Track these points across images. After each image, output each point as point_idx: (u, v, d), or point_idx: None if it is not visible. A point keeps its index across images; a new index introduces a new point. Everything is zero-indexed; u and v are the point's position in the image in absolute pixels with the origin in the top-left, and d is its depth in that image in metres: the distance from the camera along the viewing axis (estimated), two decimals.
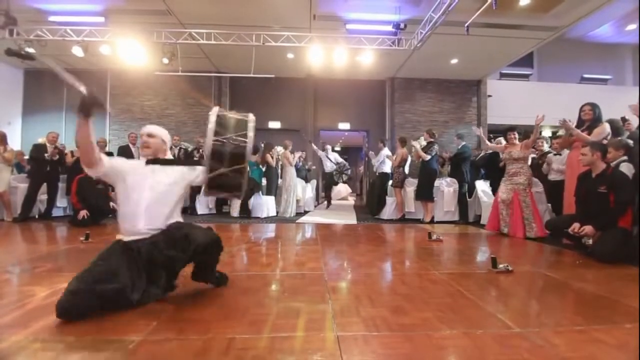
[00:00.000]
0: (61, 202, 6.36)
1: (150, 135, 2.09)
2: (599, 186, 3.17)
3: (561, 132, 4.24)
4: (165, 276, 1.91)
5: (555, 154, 4.97)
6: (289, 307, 1.83)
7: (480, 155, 6.48)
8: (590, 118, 3.90)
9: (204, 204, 6.99)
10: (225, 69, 8.90)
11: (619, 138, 3.78)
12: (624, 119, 4.50)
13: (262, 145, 6.70)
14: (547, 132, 10.51)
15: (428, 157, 6.07)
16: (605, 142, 3.63)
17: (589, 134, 3.78)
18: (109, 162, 1.96)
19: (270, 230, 4.90)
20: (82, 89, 1.77)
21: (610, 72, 11.31)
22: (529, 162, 5.66)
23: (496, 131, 9.69)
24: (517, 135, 4.80)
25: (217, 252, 1.99)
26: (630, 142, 3.72)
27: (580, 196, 3.41)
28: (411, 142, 6.52)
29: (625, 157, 3.56)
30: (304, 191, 7.41)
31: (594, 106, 3.91)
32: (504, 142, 5.29)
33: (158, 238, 1.87)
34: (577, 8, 5.84)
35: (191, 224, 1.96)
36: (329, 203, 8.65)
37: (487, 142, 5.49)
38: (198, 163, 2.13)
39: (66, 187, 6.04)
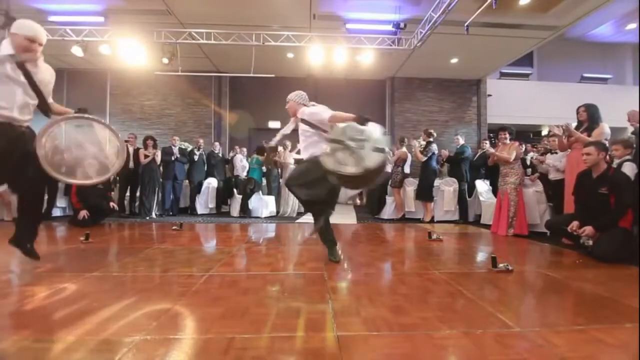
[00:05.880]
0: (61, 202, 6.36)
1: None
2: (599, 187, 3.16)
3: (556, 131, 4.19)
4: None
5: (552, 153, 4.98)
6: (289, 307, 1.83)
7: (479, 154, 6.48)
8: (585, 119, 3.90)
9: (203, 204, 6.99)
10: (225, 68, 8.89)
11: (628, 136, 3.78)
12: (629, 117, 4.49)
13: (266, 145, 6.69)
14: (546, 132, 10.51)
15: (424, 159, 6.08)
16: (605, 142, 3.63)
17: (588, 135, 3.78)
18: None
19: (270, 230, 4.90)
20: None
21: (611, 72, 11.29)
22: (528, 162, 5.68)
23: (496, 131, 9.70)
24: (507, 135, 4.80)
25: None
26: (633, 137, 3.73)
27: (580, 196, 3.41)
28: (410, 142, 6.51)
29: (629, 157, 3.56)
30: None
31: (588, 107, 3.90)
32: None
33: None
34: (577, 7, 5.84)
35: None
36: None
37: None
38: None
39: (64, 187, 6.03)
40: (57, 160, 2.35)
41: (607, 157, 3.28)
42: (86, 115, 2.50)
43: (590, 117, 3.85)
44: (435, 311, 1.76)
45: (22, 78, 2.22)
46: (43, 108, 2.39)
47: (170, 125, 9.18)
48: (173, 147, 6.66)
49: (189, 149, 7.14)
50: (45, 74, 2.40)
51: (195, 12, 6.24)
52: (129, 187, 6.40)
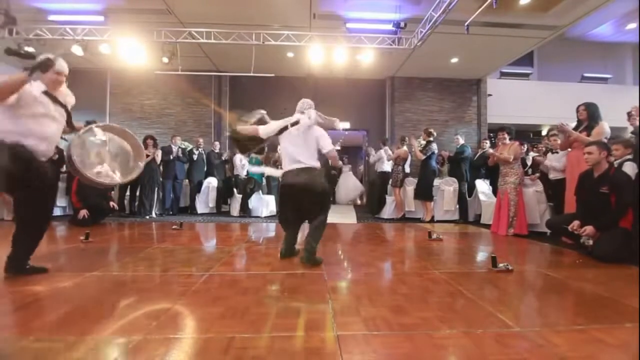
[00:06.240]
0: (61, 201, 6.35)
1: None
2: (600, 187, 3.16)
3: (556, 132, 4.22)
4: None
5: (553, 152, 4.98)
6: (288, 306, 1.83)
7: (479, 154, 6.48)
8: (584, 118, 3.91)
9: (203, 204, 6.99)
10: (225, 68, 8.88)
11: (629, 136, 3.78)
12: (629, 114, 4.49)
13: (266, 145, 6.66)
14: (546, 131, 10.50)
15: (423, 157, 6.07)
16: (605, 140, 3.62)
17: (588, 134, 3.78)
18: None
19: (270, 230, 4.90)
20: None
21: (611, 71, 11.28)
22: (530, 162, 5.67)
23: (496, 130, 9.69)
24: (507, 136, 4.81)
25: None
26: (633, 137, 3.73)
27: (581, 195, 3.40)
28: (410, 140, 6.49)
29: (630, 156, 3.56)
30: None
31: (587, 106, 3.91)
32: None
33: None
34: (577, 7, 5.83)
35: None
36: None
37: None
38: None
39: (66, 187, 6.04)
40: (89, 164, 2.67)
41: (609, 156, 3.28)
42: (113, 124, 2.90)
43: (590, 115, 3.86)
44: (436, 311, 1.76)
45: (55, 112, 2.42)
46: (69, 129, 2.61)
47: (170, 124, 9.16)
48: (173, 147, 6.66)
49: (188, 149, 7.14)
50: (70, 99, 2.60)
51: (195, 11, 6.23)
52: (129, 187, 6.40)
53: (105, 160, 2.81)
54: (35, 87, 2.32)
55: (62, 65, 2.46)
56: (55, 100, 2.41)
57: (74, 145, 2.60)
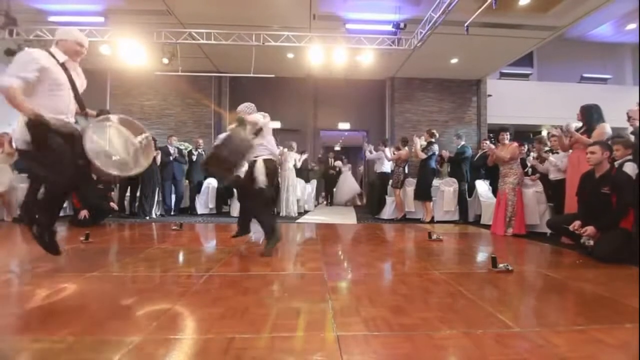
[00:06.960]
0: None
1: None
2: (602, 187, 3.16)
3: (555, 132, 4.23)
4: None
5: (553, 152, 4.98)
6: (289, 307, 1.83)
7: (479, 155, 6.48)
8: (582, 120, 3.93)
9: (203, 204, 6.99)
10: (225, 69, 8.89)
11: (628, 137, 3.79)
12: (628, 115, 4.49)
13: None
14: (545, 133, 10.50)
15: (424, 156, 6.07)
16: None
17: (588, 136, 3.78)
18: None
19: None
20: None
21: (610, 72, 11.30)
22: (530, 163, 5.68)
23: (496, 131, 9.69)
24: (507, 136, 4.82)
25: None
26: (632, 137, 3.74)
27: (583, 196, 3.40)
28: (413, 139, 6.48)
29: (630, 157, 3.56)
30: (303, 191, 7.42)
31: (586, 109, 3.93)
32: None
33: None
34: (576, 8, 5.84)
35: None
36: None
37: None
38: None
39: None
40: (104, 155, 2.54)
41: (611, 157, 3.28)
42: (129, 117, 2.77)
43: (588, 118, 3.87)
44: (436, 311, 1.76)
45: (69, 90, 2.43)
46: (80, 111, 2.59)
47: (170, 125, 9.18)
48: (170, 147, 6.65)
49: (188, 150, 7.14)
50: (83, 80, 2.60)
51: (195, 12, 6.24)
52: (129, 187, 6.40)
53: (119, 151, 2.68)
54: (59, 56, 2.35)
55: (79, 34, 2.47)
56: (67, 73, 2.42)
57: (88, 134, 2.46)
